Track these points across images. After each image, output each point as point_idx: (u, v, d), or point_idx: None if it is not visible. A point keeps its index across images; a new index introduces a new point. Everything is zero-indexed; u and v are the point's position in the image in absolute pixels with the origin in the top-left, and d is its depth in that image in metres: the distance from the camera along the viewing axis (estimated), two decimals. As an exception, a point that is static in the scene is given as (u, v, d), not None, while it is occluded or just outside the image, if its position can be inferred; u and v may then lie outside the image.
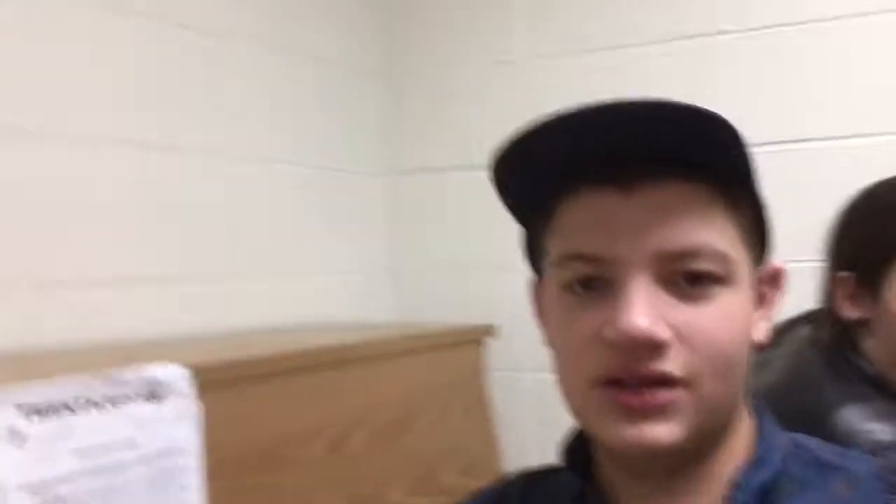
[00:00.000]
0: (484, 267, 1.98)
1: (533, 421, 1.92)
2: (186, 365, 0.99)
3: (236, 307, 1.62)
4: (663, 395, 0.58)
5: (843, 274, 1.06)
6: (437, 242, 2.05)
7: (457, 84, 2.02)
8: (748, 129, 0.60)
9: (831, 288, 1.08)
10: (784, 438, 0.66)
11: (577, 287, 0.61)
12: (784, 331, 1.16)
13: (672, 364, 0.57)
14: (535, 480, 0.76)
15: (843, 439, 0.90)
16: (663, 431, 0.58)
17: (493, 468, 1.59)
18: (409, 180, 2.08)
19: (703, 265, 0.59)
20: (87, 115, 1.37)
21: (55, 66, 1.31)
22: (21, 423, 0.82)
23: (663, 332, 0.57)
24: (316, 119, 1.87)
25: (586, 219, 0.61)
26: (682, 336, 0.58)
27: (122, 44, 1.43)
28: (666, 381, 0.58)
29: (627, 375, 0.58)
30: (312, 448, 1.20)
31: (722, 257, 0.59)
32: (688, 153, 0.58)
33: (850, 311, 1.05)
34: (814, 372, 1.02)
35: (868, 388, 0.99)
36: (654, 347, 0.57)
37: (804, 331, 1.11)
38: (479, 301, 1.96)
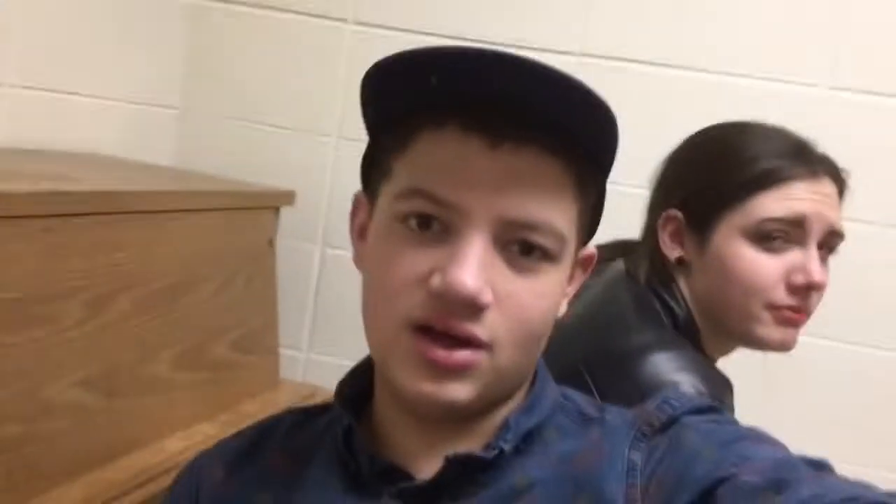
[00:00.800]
0: (286, 126, 1.81)
1: (312, 297, 1.82)
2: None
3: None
4: (467, 357, 0.59)
5: (672, 212, 1.04)
6: (238, 88, 1.83)
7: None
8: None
9: (656, 224, 1.06)
10: (555, 390, 0.69)
11: (412, 222, 0.59)
12: (599, 259, 1.13)
13: (483, 328, 0.58)
14: (303, 418, 0.74)
15: (645, 385, 0.89)
16: (459, 391, 0.59)
17: (267, 345, 1.48)
18: (221, 10, 1.82)
19: (540, 240, 0.59)
20: None
21: None
22: None
23: (486, 297, 0.58)
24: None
25: (444, 159, 0.59)
26: (500, 303, 0.59)
27: None
28: (472, 343, 0.58)
29: (441, 326, 0.58)
30: (67, 307, 1.01)
31: (559, 236, 0.60)
32: (564, 126, 0.58)
33: (672, 250, 1.04)
34: (624, 311, 1.01)
35: (676, 335, 0.99)
36: (475, 309, 0.58)
37: (619, 264, 1.09)
38: (275, 162, 1.79)
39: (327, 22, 1.77)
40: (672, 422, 0.62)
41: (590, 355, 0.95)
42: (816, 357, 1.56)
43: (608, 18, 1.67)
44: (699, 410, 0.64)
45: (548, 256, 0.60)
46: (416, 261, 0.59)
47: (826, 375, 1.63)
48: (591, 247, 0.69)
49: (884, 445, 1.62)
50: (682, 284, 1.04)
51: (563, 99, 0.56)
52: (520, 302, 0.59)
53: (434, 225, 0.59)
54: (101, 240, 1.06)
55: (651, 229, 1.07)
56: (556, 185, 0.60)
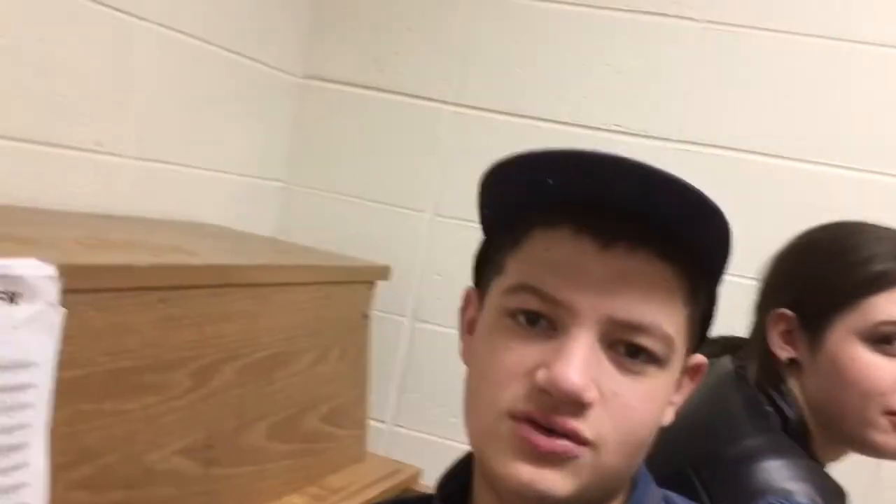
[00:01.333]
0: (384, 201, 1.85)
1: (400, 370, 1.84)
2: (54, 262, 0.82)
3: (116, 185, 1.43)
4: (567, 445, 0.58)
5: (783, 311, 1.02)
6: (340, 164, 1.89)
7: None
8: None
9: (766, 323, 1.04)
10: (657, 495, 0.68)
11: (521, 318, 0.61)
12: (707, 355, 1.11)
13: (587, 425, 0.59)
14: None
15: (757, 493, 0.86)
16: (558, 482, 0.59)
17: (356, 418, 1.50)
18: (328, 89, 1.90)
19: (648, 342, 0.60)
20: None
21: None
22: None
23: (591, 395, 0.58)
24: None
25: (555, 258, 0.60)
26: (605, 402, 0.59)
27: None
28: (576, 438, 0.59)
29: (544, 420, 0.58)
30: (176, 376, 1.05)
31: (667, 340, 0.60)
32: (676, 233, 0.59)
33: (783, 351, 1.02)
34: (734, 413, 0.98)
35: (788, 440, 0.96)
36: (578, 405, 0.58)
37: (726, 362, 1.07)
38: (371, 236, 1.84)
39: (428, 103, 1.83)
40: None
41: (699, 459, 0.92)
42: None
43: (705, 105, 1.67)
44: None
45: (655, 360, 0.60)
46: (523, 354, 0.60)
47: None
48: (701, 357, 0.68)
49: None
50: (794, 386, 1.01)
51: (678, 205, 0.57)
52: (625, 402, 0.59)
53: (542, 322, 0.60)
54: (210, 311, 1.10)
55: (760, 328, 1.05)
56: (667, 290, 0.60)
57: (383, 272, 1.57)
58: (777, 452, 0.92)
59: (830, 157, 1.61)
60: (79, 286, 0.86)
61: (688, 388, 0.68)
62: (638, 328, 0.59)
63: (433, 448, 1.78)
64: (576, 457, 0.59)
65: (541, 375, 0.58)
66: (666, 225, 0.58)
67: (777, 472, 0.89)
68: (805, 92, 1.63)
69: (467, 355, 0.68)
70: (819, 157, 1.62)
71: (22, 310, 0.79)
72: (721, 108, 1.66)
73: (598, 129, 1.73)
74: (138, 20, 1.43)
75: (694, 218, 0.57)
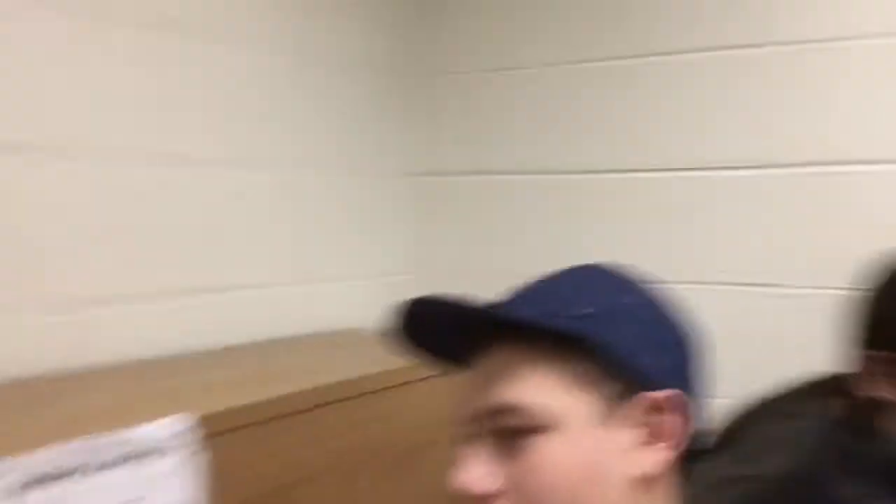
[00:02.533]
0: (510, 275, 1.95)
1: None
2: (193, 413, 0.99)
3: (256, 317, 1.63)
4: None
5: (880, 353, 1.01)
6: (464, 250, 2.02)
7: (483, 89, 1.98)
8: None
9: (860, 365, 1.03)
10: None
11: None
12: (798, 399, 1.11)
13: None
14: None
15: None
16: None
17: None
18: (443, 181, 2.05)
19: (510, 421, 0.65)
20: (104, 128, 1.36)
21: (65, 80, 1.30)
22: (24, 491, 0.82)
23: (486, 487, 0.65)
24: (339, 122, 1.85)
25: (460, 389, 0.71)
26: (513, 489, 0.65)
27: (144, 56, 1.41)
28: None
29: None
30: (323, 486, 1.19)
31: (527, 410, 0.65)
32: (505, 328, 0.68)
33: (881, 392, 1.00)
34: (829, 461, 0.98)
35: (886, 486, 0.95)
36: (482, 499, 0.65)
37: (820, 406, 1.06)
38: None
39: (533, 177, 1.93)
40: None
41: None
42: None
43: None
44: None
45: (530, 431, 0.65)
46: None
47: None
48: (661, 393, 0.67)
49: None
50: (893, 426, 0.99)
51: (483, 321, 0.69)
52: (524, 483, 0.65)
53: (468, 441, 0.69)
54: (352, 420, 1.24)
55: (860, 371, 1.04)
56: (520, 368, 0.67)
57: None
58: (867, 498, 0.91)
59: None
60: (223, 428, 1.03)
61: (671, 423, 0.67)
62: (494, 412, 0.66)
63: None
64: None
65: (449, 486, 0.67)
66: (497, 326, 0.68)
67: None
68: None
69: None
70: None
71: (168, 462, 0.96)
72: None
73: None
74: (265, 174, 1.64)
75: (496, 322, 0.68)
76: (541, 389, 0.66)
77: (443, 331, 0.72)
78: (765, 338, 1.67)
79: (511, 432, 0.65)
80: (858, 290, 1.07)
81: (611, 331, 0.67)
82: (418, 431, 1.38)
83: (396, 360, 1.51)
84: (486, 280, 1.96)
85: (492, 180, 1.98)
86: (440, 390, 1.45)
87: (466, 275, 2.00)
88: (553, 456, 0.64)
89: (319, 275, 1.80)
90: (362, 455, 1.26)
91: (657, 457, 0.66)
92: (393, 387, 1.35)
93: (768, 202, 1.68)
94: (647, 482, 0.66)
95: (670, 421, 0.66)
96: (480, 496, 0.65)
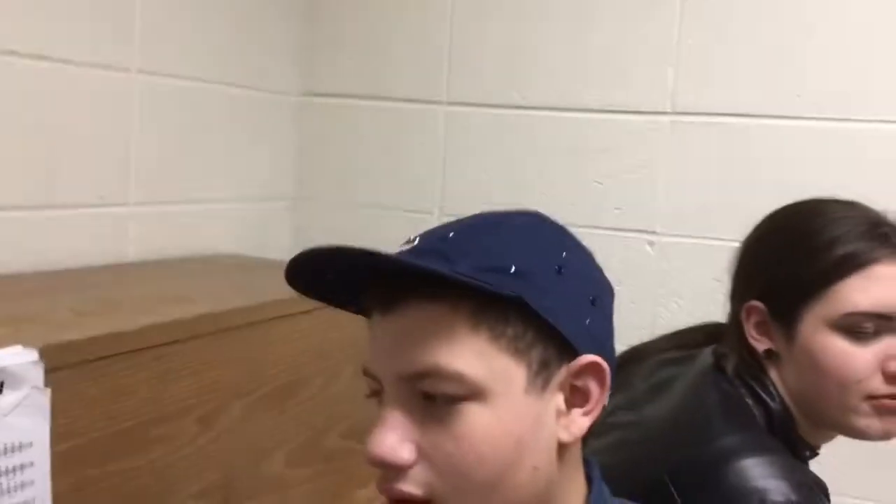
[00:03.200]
0: (392, 206, 1.88)
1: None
2: (39, 343, 0.88)
3: (125, 235, 1.49)
4: None
5: (754, 304, 1.01)
6: (347, 175, 1.93)
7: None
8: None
9: (740, 315, 1.03)
10: None
11: (375, 399, 0.66)
12: (692, 343, 1.11)
13: (412, 484, 0.61)
14: None
15: (732, 495, 0.87)
16: None
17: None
18: (327, 104, 1.93)
19: (436, 386, 0.60)
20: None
21: None
22: None
23: (400, 456, 0.61)
24: (220, 28, 1.70)
25: (369, 338, 0.66)
26: (428, 456, 0.61)
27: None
28: (410, 500, 0.61)
29: (384, 493, 0.63)
30: (182, 425, 1.10)
31: (456, 377, 0.60)
32: (428, 282, 0.60)
33: (759, 343, 1.01)
34: (710, 413, 0.98)
35: (767, 436, 0.96)
36: (396, 470, 0.61)
37: (707, 355, 1.06)
38: (382, 244, 1.87)
39: (423, 105, 1.84)
40: None
41: (675, 465, 0.93)
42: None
43: (695, 76, 1.64)
44: None
45: (458, 398, 0.60)
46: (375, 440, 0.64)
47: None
48: (587, 357, 0.64)
49: None
50: (774, 376, 1.00)
51: (401, 273, 0.62)
52: (445, 451, 0.60)
53: (377, 395, 0.66)
54: (209, 358, 1.15)
55: (736, 319, 1.04)
56: (444, 328, 0.61)
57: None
58: (754, 450, 0.91)
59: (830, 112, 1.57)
60: (66, 362, 0.92)
61: (596, 389, 0.65)
62: (420, 376, 0.61)
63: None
64: None
65: (366, 453, 0.63)
66: (419, 280, 0.61)
67: (752, 470, 0.89)
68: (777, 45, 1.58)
69: None
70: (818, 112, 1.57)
71: (8, 398, 0.85)
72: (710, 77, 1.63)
73: (592, 110, 1.71)
74: (125, 73, 1.49)
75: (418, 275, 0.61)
76: (470, 354, 0.60)
77: (350, 278, 0.66)
78: (645, 287, 1.67)
79: (434, 398, 0.61)
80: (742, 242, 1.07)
81: (548, 292, 0.62)
82: (290, 368, 1.31)
83: (268, 292, 1.43)
84: (371, 213, 1.91)
85: (380, 107, 1.88)
86: (313, 326, 1.38)
87: (351, 206, 1.92)
88: (482, 426, 0.60)
89: (190, 195, 1.67)
90: (224, 395, 1.18)
91: (579, 423, 0.65)
92: (261, 321, 1.26)
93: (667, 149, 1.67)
94: (564, 448, 0.64)
95: (592, 387, 0.65)
96: (396, 466, 0.61)
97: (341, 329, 1.45)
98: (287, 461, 1.28)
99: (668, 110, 1.66)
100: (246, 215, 1.82)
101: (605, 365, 0.64)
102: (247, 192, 1.83)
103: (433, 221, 1.88)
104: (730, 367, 1.01)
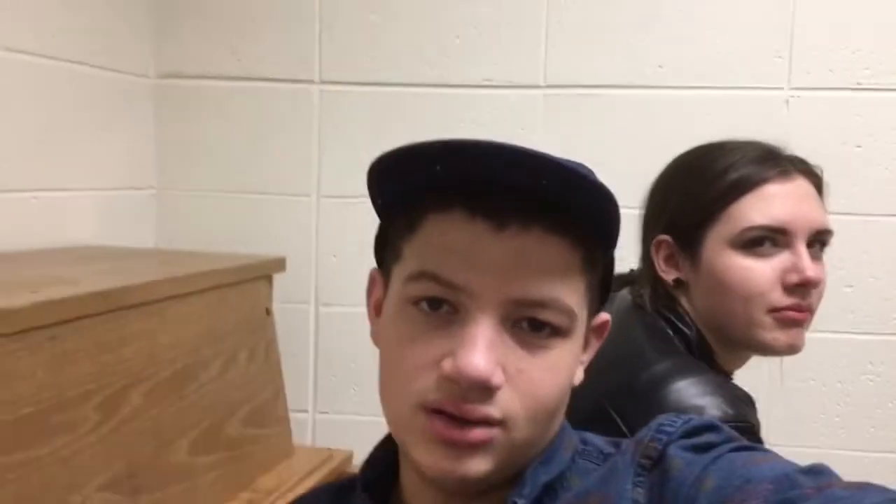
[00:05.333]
0: (266, 191, 1.82)
1: (312, 358, 1.82)
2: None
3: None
4: (482, 434, 0.59)
5: (661, 237, 1.06)
6: (214, 160, 1.84)
7: None
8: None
9: (650, 249, 1.08)
10: (573, 439, 0.69)
11: (423, 305, 0.61)
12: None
13: (496, 408, 0.59)
14: (337, 495, 0.75)
15: (669, 412, 0.90)
16: (474, 466, 0.60)
17: (277, 415, 1.48)
18: (187, 86, 1.83)
19: (549, 317, 0.60)
20: None
21: None
22: None
23: (497, 379, 0.58)
24: (75, 5, 1.57)
25: (452, 243, 0.60)
26: (511, 381, 0.60)
27: None
28: (487, 422, 0.59)
29: (454, 410, 0.59)
30: (83, 411, 1.00)
31: (568, 312, 0.61)
32: (564, 209, 0.60)
33: (668, 274, 1.06)
34: (639, 343, 1.02)
35: (692, 359, 1.00)
36: (487, 391, 0.58)
37: (625, 295, 1.11)
38: (258, 229, 1.80)
39: (295, 85, 1.79)
40: (664, 454, 0.61)
41: (614, 393, 0.95)
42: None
43: (567, 50, 1.70)
44: (692, 432, 0.63)
45: (558, 332, 0.61)
46: (428, 344, 0.60)
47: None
48: (605, 315, 0.70)
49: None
50: (686, 305, 1.05)
51: (558, 184, 0.58)
52: (531, 378, 0.60)
53: (444, 307, 0.60)
54: (105, 339, 1.06)
55: (647, 256, 1.09)
56: (563, 263, 0.61)
57: (278, 264, 1.55)
58: (684, 372, 0.96)
59: (690, 81, 1.67)
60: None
61: (596, 345, 0.70)
62: (539, 304, 0.60)
63: (360, 428, 1.78)
64: (489, 440, 0.60)
65: (447, 365, 0.58)
66: (554, 203, 0.59)
67: (687, 390, 0.93)
68: (654, 21, 1.68)
69: (377, 338, 0.68)
70: (680, 81, 1.68)
71: None
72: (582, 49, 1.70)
73: (468, 86, 1.73)
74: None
75: (575, 193, 0.59)
76: (577, 294, 0.62)
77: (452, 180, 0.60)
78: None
79: (536, 326, 0.60)
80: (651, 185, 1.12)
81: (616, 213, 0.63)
82: (188, 352, 1.23)
83: (152, 272, 1.34)
84: (244, 199, 1.83)
85: (248, 88, 1.81)
86: (207, 307, 1.30)
87: (221, 193, 1.83)
88: (565, 360, 0.62)
89: (43, 183, 1.53)
90: (123, 379, 1.09)
91: (581, 370, 0.68)
92: (153, 301, 1.18)
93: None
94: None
95: (594, 341, 0.70)
96: (492, 386, 0.58)
97: (236, 310, 1.39)
98: (191, 449, 1.20)
99: (541, 84, 1.71)
100: (105, 205, 1.69)
101: (610, 323, 0.70)
102: (105, 181, 1.70)
103: (311, 205, 1.84)
104: (647, 302, 1.06)
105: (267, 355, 1.46)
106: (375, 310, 0.69)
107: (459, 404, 0.58)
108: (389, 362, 0.63)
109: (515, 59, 1.72)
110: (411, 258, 0.62)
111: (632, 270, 1.14)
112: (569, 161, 0.58)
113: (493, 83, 1.72)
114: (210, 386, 1.27)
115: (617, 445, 0.67)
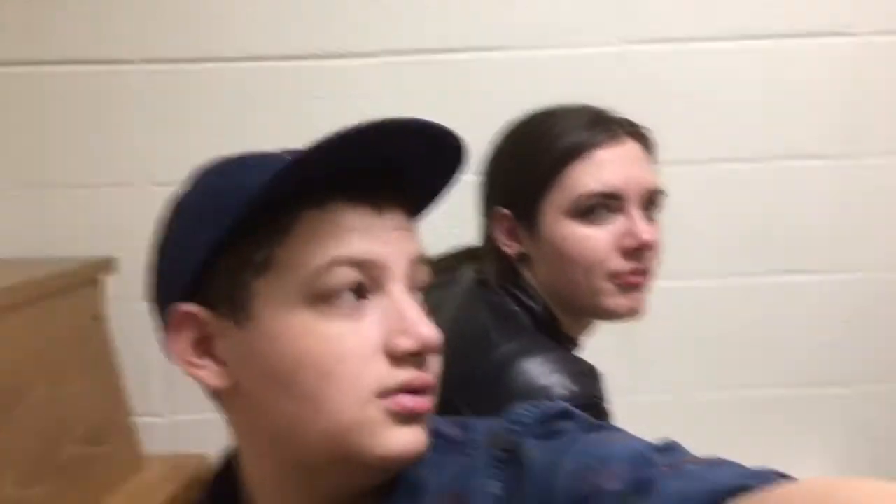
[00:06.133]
0: (88, 184, 1.68)
1: (157, 358, 1.72)
2: None
3: None
4: (431, 399, 0.62)
5: (500, 210, 1.05)
6: (21, 155, 1.67)
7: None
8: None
9: (490, 223, 1.06)
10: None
11: (347, 296, 0.60)
12: (449, 267, 1.12)
13: (432, 371, 0.62)
14: None
15: (518, 395, 0.89)
16: (424, 436, 0.61)
17: (121, 426, 1.38)
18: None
19: (427, 276, 0.65)
20: None
21: None
22: None
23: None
24: None
25: (347, 229, 0.60)
26: None
27: None
28: (431, 389, 0.62)
29: (420, 383, 0.60)
30: None
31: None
32: (429, 188, 0.66)
33: (510, 248, 1.05)
34: (483, 325, 1.00)
35: (542, 336, 1.00)
36: (433, 355, 0.61)
37: (468, 272, 1.08)
38: (87, 227, 1.66)
39: (112, 67, 1.65)
40: (520, 445, 0.61)
41: (459, 381, 0.92)
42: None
43: (394, 11, 1.65)
44: (546, 420, 0.63)
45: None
46: (361, 333, 0.59)
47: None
48: None
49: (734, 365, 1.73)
50: (530, 278, 1.05)
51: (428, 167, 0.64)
52: (439, 338, 0.61)
53: (362, 291, 0.60)
54: None
55: (488, 230, 1.07)
56: (415, 230, 0.65)
57: (106, 264, 1.43)
58: (529, 352, 0.95)
59: (529, 42, 1.65)
60: None
61: None
62: (423, 265, 0.64)
63: (220, 426, 1.69)
64: (431, 407, 0.62)
65: (405, 342, 0.59)
66: (419, 182, 0.64)
67: (532, 371, 0.92)
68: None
69: (234, 373, 0.62)
70: (519, 43, 1.65)
71: None
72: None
73: (299, 57, 1.65)
74: None
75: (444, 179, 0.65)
76: None
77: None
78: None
79: (419, 287, 0.65)
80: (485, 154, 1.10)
81: None
82: (8, 373, 1.11)
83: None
84: (56, 200, 1.68)
85: (52, 73, 1.65)
86: (25, 324, 1.18)
87: (24, 194, 1.67)
88: None
89: None
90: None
91: None
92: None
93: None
94: None
95: None
96: (438, 351, 0.62)
97: (60, 322, 1.28)
98: (19, 481, 1.10)
99: (378, 51, 1.65)
100: None
101: None
102: None
103: (142, 194, 1.71)
104: (491, 278, 1.04)
105: (100, 365, 1.35)
106: (201, 350, 0.63)
107: (421, 377, 0.60)
108: (316, 373, 0.59)
109: (347, 27, 1.65)
110: (303, 257, 0.59)
111: (471, 248, 1.12)
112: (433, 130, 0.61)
113: (329, 53, 1.65)
114: (37, 408, 1.17)
115: (465, 428, 0.66)
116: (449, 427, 0.67)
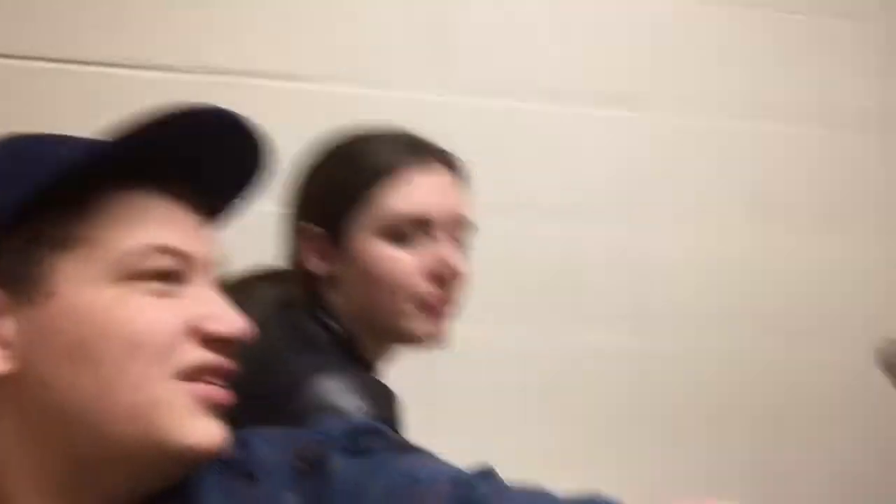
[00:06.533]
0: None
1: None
2: None
3: None
4: (231, 396, 0.61)
5: (311, 229, 1.04)
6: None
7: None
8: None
9: (297, 242, 1.04)
10: None
11: (158, 280, 0.59)
12: (246, 289, 1.07)
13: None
14: None
15: (305, 414, 0.86)
16: (226, 434, 0.59)
17: None
18: None
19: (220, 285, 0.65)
20: None
21: None
22: None
23: None
24: None
25: (160, 218, 0.61)
26: None
27: None
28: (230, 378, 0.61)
29: (223, 370, 0.60)
30: None
31: None
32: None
33: (318, 267, 1.03)
34: (281, 342, 0.98)
35: (340, 356, 0.98)
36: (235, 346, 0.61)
37: (268, 291, 1.05)
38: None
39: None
40: (325, 460, 0.60)
41: (247, 400, 0.87)
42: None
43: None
44: (353, 435, 0.62)
45: None
46: (166, 316, 0.58)
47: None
48: None
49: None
50: (336, 299, 1.03)
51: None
52: None
53: (173, 278, 0.60)
54: None
55: (296, 250, 1.05)
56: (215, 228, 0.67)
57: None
58: (319, 370, 0.92)
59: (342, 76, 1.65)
60: None
61: None
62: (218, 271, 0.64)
63: None
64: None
65: (214, 326, 0.59)
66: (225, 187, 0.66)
67: (321, 388, 0.90)
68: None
69: (21, 358, 0.57)
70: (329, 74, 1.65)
71: None
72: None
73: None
74: None
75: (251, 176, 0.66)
76: None
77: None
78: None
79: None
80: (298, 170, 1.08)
81: None
82: None
83: None
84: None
85: None
86: None
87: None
88: None
89: None
90: None
91: None
92: None
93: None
94: None
95: None
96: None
97: None
98: None
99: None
100: None
101: None
102: None
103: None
104: (295, 299, 1.02)
105: None
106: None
107: (224, 364, 0.60)
108: (122, 343, 0.57)
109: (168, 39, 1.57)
110: (113, 239, 0.59)
111: (276, 268, 1.09)
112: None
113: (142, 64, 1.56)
114: None
115: (243, 444, 0.62)
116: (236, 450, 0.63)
